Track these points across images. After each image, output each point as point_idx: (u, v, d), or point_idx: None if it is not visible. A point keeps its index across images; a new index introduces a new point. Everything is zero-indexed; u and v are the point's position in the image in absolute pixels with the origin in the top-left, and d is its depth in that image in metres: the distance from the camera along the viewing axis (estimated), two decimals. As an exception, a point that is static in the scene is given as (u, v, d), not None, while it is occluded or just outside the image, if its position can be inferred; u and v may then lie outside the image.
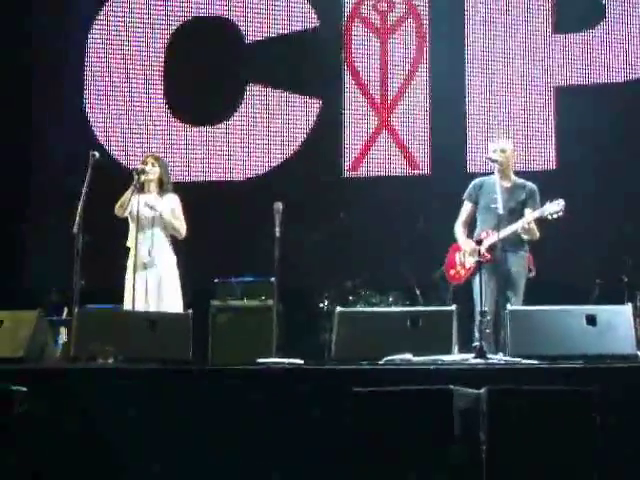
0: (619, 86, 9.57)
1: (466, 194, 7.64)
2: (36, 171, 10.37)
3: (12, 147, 10.00)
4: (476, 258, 7.02)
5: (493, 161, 7.26)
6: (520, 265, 7.39)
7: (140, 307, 7.23)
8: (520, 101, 9.77)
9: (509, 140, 8.04)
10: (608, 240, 9.13)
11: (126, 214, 7.56)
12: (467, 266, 7.47)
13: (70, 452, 5.29)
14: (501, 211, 6.84)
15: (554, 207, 7.17)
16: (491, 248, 7.13)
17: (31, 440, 5.22)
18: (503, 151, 7.45)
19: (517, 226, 7.25)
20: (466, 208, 7.62)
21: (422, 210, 9.35)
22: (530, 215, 7.29)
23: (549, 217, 7.20)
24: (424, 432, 4.72)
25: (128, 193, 7.50)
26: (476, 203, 7.56)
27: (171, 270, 7.60)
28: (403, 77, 10.04)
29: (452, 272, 7.63)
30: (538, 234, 7.34)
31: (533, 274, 7.46)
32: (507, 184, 7.39)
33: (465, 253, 7.47)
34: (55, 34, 10.43)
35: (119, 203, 7.56)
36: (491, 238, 7.12)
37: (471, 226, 7.58)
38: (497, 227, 6.93)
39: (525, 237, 7.34)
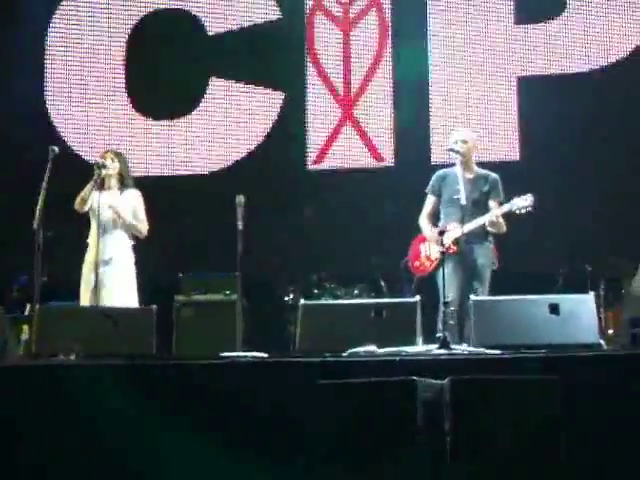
0: (582, 76, 9.60)
1: (429, 187, 7.62)
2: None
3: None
4: (440, 249, 7.00)
5: (455, 152, 7.23)
6: (486, 256, 7.39)
7: (94, 303, 7.16)
8: (483, 91, 9.78)
9: (470, 131, 8.03)
10: (572, 230, 9.17)
11: (86, 209, 7.51)
12: (432, 258, 7.47)
13: (34, 450, 5.25)
14: (464, 202, 6.82)
15: (522, 202, 7.18)
16: (456, 240, 7.12)
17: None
18: (464, 142, 7.42)
19: (484, 220, 7.25)
20: (430, 201, 7.60)
21: (387, 201, 9.36)
22: (499, 210, 7.28)
23: (517, 212, 7.21)
24: (388, 423, 4.72)
25: (88, 188, 7.45)
26: (439, 196, 7.54)
27: (128, 269, 7.56)
28: (366, 69, 10.02)
29: (417, 264, 7.62)
30: (505, 228, 7.34)
31: (496, 266, 7.47)
32: (470, 175, 7.38)
33: (430, 245, 7.47)
34: (14, 28, 10.31)
35: (79, 198, 7.51)
36: (456, 231, 7.10)
37: (435, 219, 7.58)
38: (461, 219, 6.92)
39: (492, 230, 7.33)
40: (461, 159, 7.18)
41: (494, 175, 7.52)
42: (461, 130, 7.86)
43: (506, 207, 7.26)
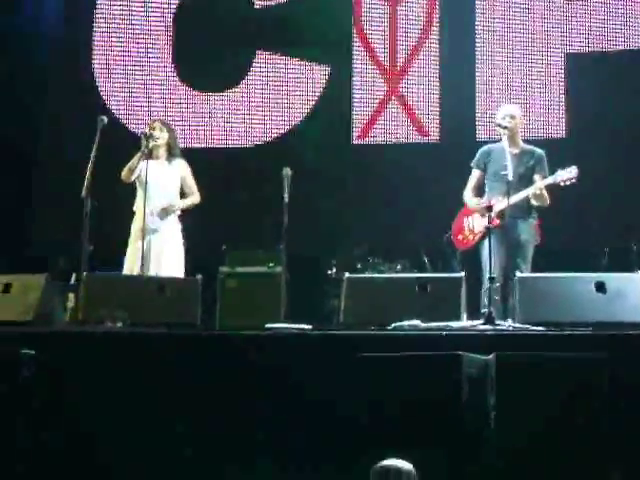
0: (631, 53, 9.48)
1: (474, 162, 7.63)
2: (41, 137, 10.32)
3: (17, 113, 9.95)
4: (485, 223, 6.99)
5: (502, 127, 7.21)
6: (529, 232, 7.38)
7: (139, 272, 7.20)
8: (530, 68, 9.69)
9: (517, 106, 8.01)
10: (618, 208, 9.09)
11: (133, 179, 7.54)
12: (476, 231, 7.46)
13: (78, 416, 5.31)
14: (511, 177, 6.80)
15: (566, 174, 7.17)
16: (500, 214, 7.09)
17: (38, 404, 5.23)
18: (512, 117, 7.43)
19: (528, 192, 7.24)
20: (474, 175, 7.61)
21: (431, 176, 9.31)
22: (542, 181, 7.27)
23: (561, 184, 7.19)
24: (432, 398, 4.72)
25: (135, 159, 7.49)
26: (484, 170, 7.55)
27: (175, 238, 7.60)
28: (413, 44, 9.96)
29: (460, 237, 7.62)
30: (548, 201, 7.31)
31: (538, 241, 7.44)
32: (515, 150, 7.35)
33: (474, 218, 7.46)
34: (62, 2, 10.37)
35: (126, 168, 7.55)
36: (501, 204, 7.09)
37: (479, 193, 7.56)
38: (507, 194, 6.89)
39: (535, 203, 7.32)
40: (508, 134, 7.16)
41: (540, 151, 7.50)
42: (508, 106, 7.85)
43: (550, 179, 7.25)
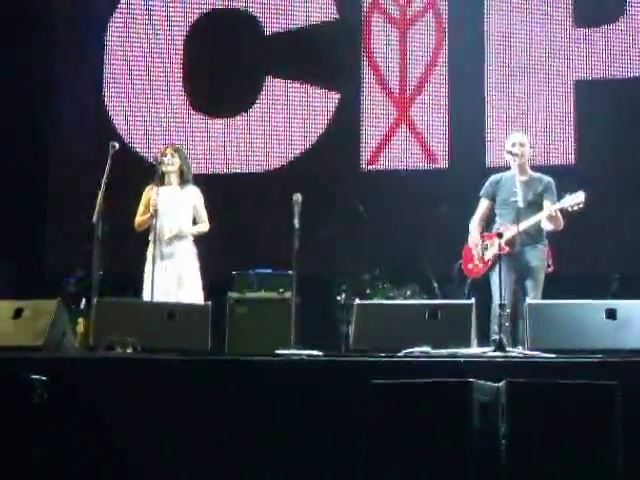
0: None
1: (483, 191, 7.66)
2: (55, 166, 10.38)
3: (32, 144, 10.02)
4: (495, 251, 7.02)
5: (514, 154, 7.25)
6: (539, 259, 7.39)
7: (159, 298, 7.23)
8: (540, 95, 9.72)
9: (524, 134, 8.03)
10: (626, 234, 9.09)
11: (145, 228, 7.58)
12: (486, 259, 7.46)
13: (89, 441, 5.31)
14: (521, 204, 6.83)
15: (574, 199, 7.19)
16: (510, 242, 7.10)
17: (50, 430, 5.23)
18: (522, 145, 7.47)
19: (539, 217, 7.26)
20: (483, 205, 7.64)
21: (442, 202, 9.32)
22: (555, 205, 7.28)
23: (569, 209, 7.21)
24: (443, 425, 4.71)
25: (146, 217, 7.51)
26: (493, 200, 7.57)
27: (191, 261, 7.62)
28: (422, 70, 10.01)
29: (470, 266, 7.62)
30: (562, 224, 7.32)
31: (551, 269, 7.44)
32: (524, 178, 7.37)
33: (481, 247, 7.47)
34: (74, 29, 10.44)
35: (138, 223, 7.63)
36: (510, 231, 7.10)
37: (487, 223, 7.59)
38: (517, 220, 6.91)
39: (549, 227, 7.32)
40: (518, 162, 7.21)
41: (548, 178, 7.54)
42: (517, 133, 7.88)
43: (559, 204, 7.25)
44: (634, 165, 9.34)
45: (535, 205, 7.36)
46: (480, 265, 7.54)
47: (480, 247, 7.49)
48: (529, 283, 7.28)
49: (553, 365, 5.25)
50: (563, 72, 9.70)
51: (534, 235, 7.36)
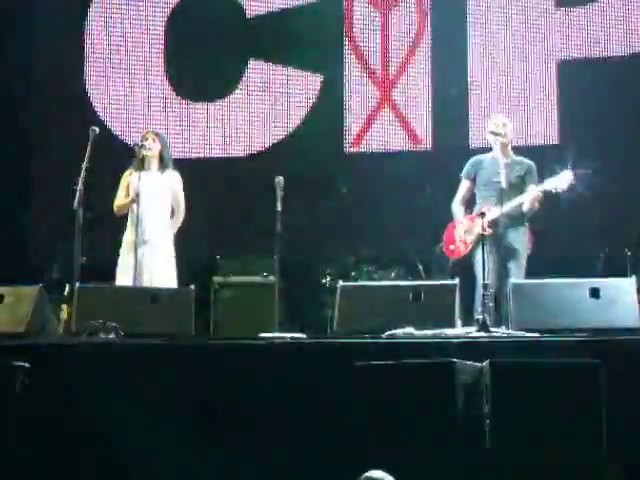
0: (622, 59, 9.49)
1: (464, 172, 7.64)
2: (37, 153, 10.32)
3: (14, 129, 9.97)
4: (478, 231, 7.01)
5: (496, 134, 7.24)
6: (521, 241, 7.40)
7: (134, 283, 7.18)
8: (522, 75, 9.70)
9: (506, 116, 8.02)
10: (611, 214, 9.10)
11: (124, 212, 7.53)
12: (468, 241, 7.45)
13: (72, 427, 5.29)
14: (504, 185, 6.82)
15: (559, 181, 7.19)
16: (493, 223, 7.10)
17: (33, 416, 5.22)
18: (505, 125, 7.46)
19: (527, 197, 7.24)
20: (464, 186, 7.63)
21: (425, 184, 9.32)
22: (539, 186, 7.26)
23: (553, 191, 7.21)
24: (426, 406, 4.72)
25: (127, 201, 7.45)
26: (474, 181, 7.56)
27: (167, 249, 7.55)
28: (405, 52, 9.97)
29: (451, 247, 7.60)
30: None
31: (530, 250, 7.44)
32: (507, 160, 7.33)
33: (464, 229, 7.46)
34: (53, 15, 10.35)
35: (116, 207, 7.55)
36: (493, 212, 7.09)
37: (468, 204, 7.58)
38: (500, 201, 6.90)
39: (533, 208, 7.29)
40: (501, 142, 7.19)
41: (529, 161, 7.54)
42: (499, 115, 7.88)
43: (546, 185, 7.23)
44: (619, 144, 9.32)
45: (517, 187, 7.35)
46: (462, 247, 7.52)
47: (463, 228, 7.47)
48: (512, 266, 7.27)
49: (537, 344, 5.26)
50: (545, 52, 9.68)
51: (516, 217, 7.34)
